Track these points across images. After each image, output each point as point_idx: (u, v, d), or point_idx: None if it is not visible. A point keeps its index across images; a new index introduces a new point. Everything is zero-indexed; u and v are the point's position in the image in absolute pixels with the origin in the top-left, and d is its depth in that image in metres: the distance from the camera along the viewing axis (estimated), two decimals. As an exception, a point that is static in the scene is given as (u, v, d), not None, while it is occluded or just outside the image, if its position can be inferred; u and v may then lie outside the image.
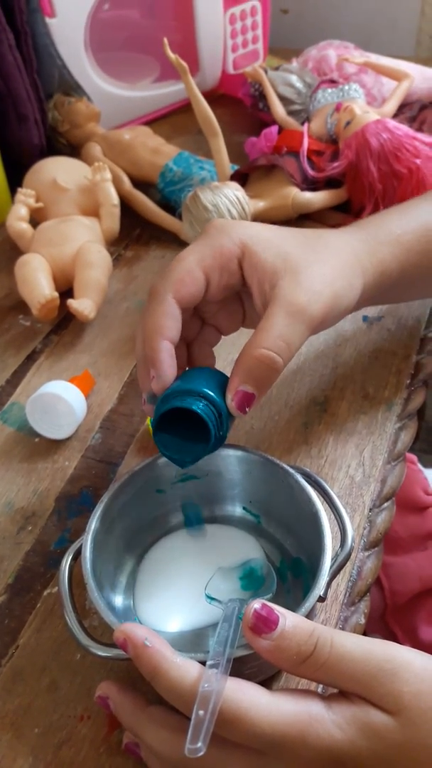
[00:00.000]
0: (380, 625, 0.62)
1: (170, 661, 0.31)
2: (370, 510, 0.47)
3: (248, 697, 0.30)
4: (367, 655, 0.31)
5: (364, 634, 0.45)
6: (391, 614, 0.62)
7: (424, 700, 0.30)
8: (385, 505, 0.48)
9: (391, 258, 0.46)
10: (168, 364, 0.40)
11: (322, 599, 0.35)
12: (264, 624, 0.31)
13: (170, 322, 0.40)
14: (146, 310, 0.41)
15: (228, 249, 0.42)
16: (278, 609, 0.32)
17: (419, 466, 0.73)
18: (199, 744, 0.28)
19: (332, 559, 0.37)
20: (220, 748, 0.31)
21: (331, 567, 0.36)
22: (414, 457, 0.74)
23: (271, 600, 0.33)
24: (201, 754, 0.28)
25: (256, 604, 0.31)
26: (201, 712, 0.29)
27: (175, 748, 0.31)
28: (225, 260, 0.42)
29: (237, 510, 0.45)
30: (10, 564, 0.46)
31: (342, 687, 0.31)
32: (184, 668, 0.31)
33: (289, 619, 0.31)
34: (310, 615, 0.35)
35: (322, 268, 0.42)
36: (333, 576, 0.37)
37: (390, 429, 0.52)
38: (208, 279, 0.42)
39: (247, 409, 0.39)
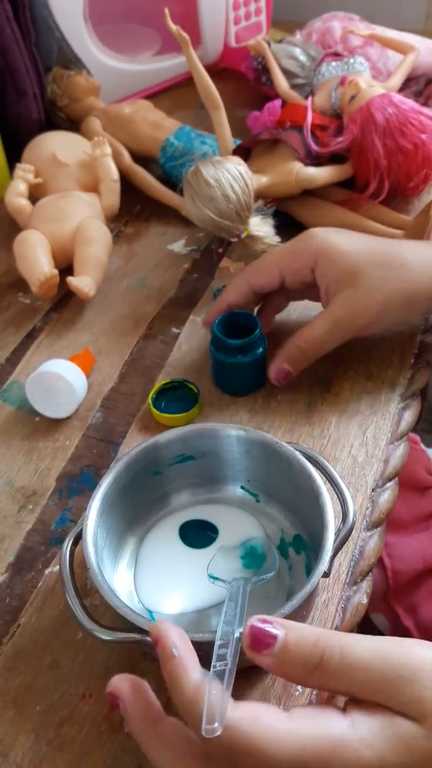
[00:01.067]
0: (382, 605, 0.62)
1: (188, 677, 0.30)
2: (373, 490, 0.47)
3: (263, 727, 0.28)
4: (381, 660, 0.29)
5: (366, 613, 0.45)
6: (393, 594, 0.62)
7: None
8: (388, 485, 0.48)
9: None
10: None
11: (326, 574, 0.35)
12: (261, 641, 0.30)
13: (238, 299, 0.54)
14: (232, 283, 0.54)
15: (304, 256, 0.51)
16: (278, 622, 0.30)
17: (422, 446, 0.73)
18: (215, 725, 0.27)
19: (334, 534, 0.37)
20: None
21: (333, 542, 0.36)
22: (417, 438, 0.74)
23: (275, 577, 0.32)
24: (218, 734, 0.27)
25: (253, 620, 0.30)
26: (214, 692, 0.28)
27: (176, 766, 0.30)
28: (299, 265, 0.51)
29: (236, 490, 0.45)
30: (11, 543, 0.45)
31: (359, 696, 0.30)
32: (200, 690, 0.29)
33: (291, 632, 0.30)
34: (313, 593, 0.35)
35: (385, 292, 0.49)
36: (336, 551, 0.37)
37: (393, 409, 0.52)
38: (283, 276, 0.52)
39: (282, 382, 0.52)
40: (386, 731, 0.29)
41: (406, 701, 0.29)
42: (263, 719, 0.29)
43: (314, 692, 0.38)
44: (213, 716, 0.28)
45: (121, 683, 0.32)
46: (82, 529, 0.38)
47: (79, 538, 0.38)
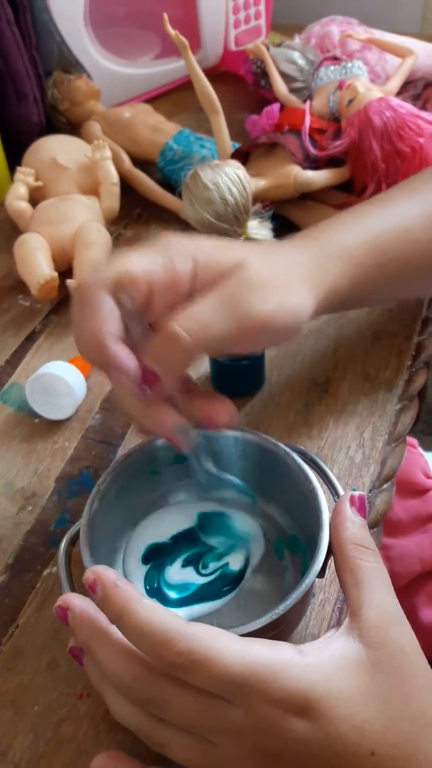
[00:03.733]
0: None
1: (139, 601, 0.30)
2: (370, 491, 0.47)
3: (219, 640, 0.29)
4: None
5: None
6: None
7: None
8: (385, 486, 0.48)
9: (342, 274, 0.44)
10: (127, 356, 0.37)
11: (321, 575, 0.35)
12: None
13: (111, 323, 0.37)
14: (81, 315, 0.38)
15: (180, 268, 0.38)
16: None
17: (420, 449, 0.73)
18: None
19: (330, 532, 0.37)
20: (179, 690, 0.30)
21: (329, 543, 0.36)
22: (415, 441, 0.74)
23: (268, 580, 0.32)
24: None
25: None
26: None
27: (125, 670, 0.30)
28: (176, 280, 0.38)
29: (233, 491, 0.45)
30: (10, 544, 0.46)
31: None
32: (152, 609, 0.30)
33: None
34: (308, 593, 0.35)
35: (276, 279, 0.40)
36: (331, 552, 0.37)
37: (391, 410, 0.52)
38: (151, 295, 0.38)
39: (146, 387, 0.38)
40: (336, 661, 0.30)
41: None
42: (220, 636, 0.30)
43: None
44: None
45: (71, 597, 0.33)
46: (79, 530, 0.38)
47: (76, 539, 0.39)
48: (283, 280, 0.40)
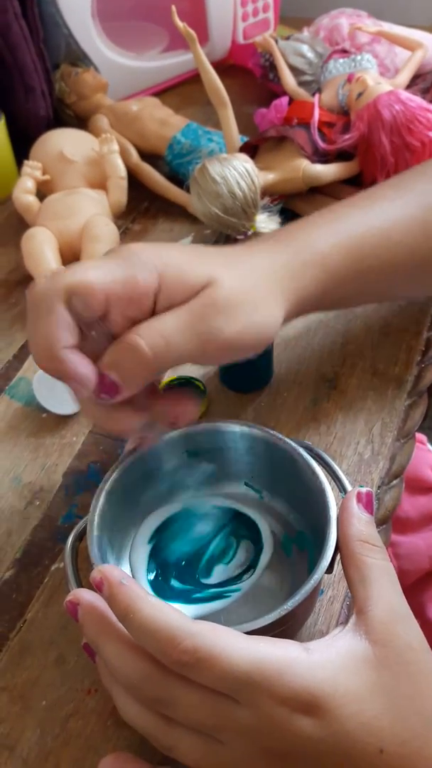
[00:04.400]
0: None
1: (144, 599, 0.30)
2: (379, 487, 0.47)
3: (225, 637, 0.29)
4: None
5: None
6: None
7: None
8: (394, 482, 0.48)
9: (314, 282, 0.43)
10: (83, 366, 0.36)
11: (329, 571, 0.35)
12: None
13: (65, 332, 0.36)
14: (33, 323, 0.37)
15: (143, 283, 0.36)
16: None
17: (428, 446, 0.73)
18: None
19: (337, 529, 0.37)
20: (187, 688, 0.30)
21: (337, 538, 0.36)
22: (424, 437, 0.74)
23: (275, 576, 0.32)
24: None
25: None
26: None
27: (134, 668, 0.31)
28: (137, 294, 0.36)
29: (240, 486, 0.45)
30: (17, 539, 0.46)
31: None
32: (157, 607, 0.30)
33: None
34: (316, 589, 0.35)
35: (244, 297, 0.39)
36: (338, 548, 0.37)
37: (400, 406, 0.52)
38: (109, 307, 0.36)
39: (106, 396, 0.36)
40: (343, 659, 0.30)
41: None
42: (225, 634, 0.30)
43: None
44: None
45: (81, 593, 0.33)
46: (86, 525, 0.38)
47: (83, 534, 0.39)
48: (252, 298, 0.39)
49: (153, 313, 0.37)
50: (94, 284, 0.35)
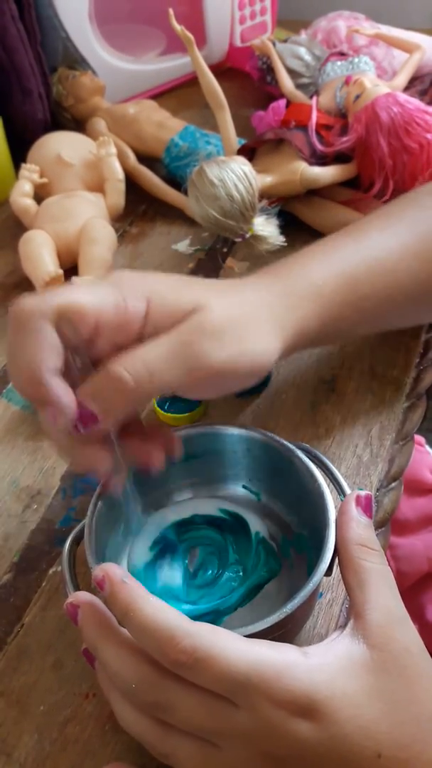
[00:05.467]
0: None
1: (144, 598, 0.30)
2: (378, 490, 0.47)
3: (223, 639, 0.29)
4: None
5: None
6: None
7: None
8: (393, 485, 0.48)
9: (310, 314, 0.41)
10: (66, 394, 0.34)
11: (328, 573, 0.35)
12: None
13: (51, 356, 0.34)
14: (17, 343, 0.35)
15: (132, 309, 0.36)
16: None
17: (427, 448, 0.73)
18: None
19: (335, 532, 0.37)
20: (185, 692, 0.30)
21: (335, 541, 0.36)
22: (422, 439, 0.74)
23: (274, 579, 0.32)
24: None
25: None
26: None
27: (132, 672, 0.30)
28: (126, 320, 0.36)
29: (238, 489, 0.45)
30: (15, 542, 0.45)
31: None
32: (157, 607, 0.30)
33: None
34: (314, 592, 0.35)
35: (236, 324, 0.37)
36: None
37: (398, 408, 0.52)
38: (97, 332, 0.35)
39: (81, 427, 0.35)
40: (340, 662, 0.30)
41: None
42: (224, 635, 0.30)
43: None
44: None
45: (82, 595, 0.33)
46: (83, 529, 0.38)
47: (80, 538, 0.38)
48: (245, 324, 0.38)
49: (140, 340, 0.36)
50: (85, 306, 0.34)
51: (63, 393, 0.34)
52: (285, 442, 0.41)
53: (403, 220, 0.47)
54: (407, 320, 0.53)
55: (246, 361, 0.37)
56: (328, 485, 0.39)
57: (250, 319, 0.38)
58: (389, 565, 0.43)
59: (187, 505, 0.44)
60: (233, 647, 0.29)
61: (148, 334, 0.36)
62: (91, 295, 0.35)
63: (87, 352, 0.36)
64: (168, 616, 0.30)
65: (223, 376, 0.37)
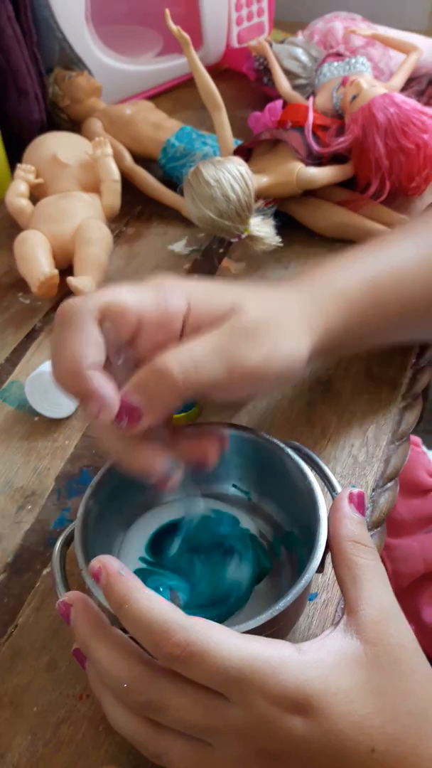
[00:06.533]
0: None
1: (140, 591, 0.30)
2: (373, 490, 0.47)
3: (218, 633, 0.29)
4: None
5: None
6: (395, 596, 0.62)
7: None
8: (388, 485, 0.47)
9: (337, 314, 0.42)
10: (108, 387, 0.35)
11: (320, 570, 0.35)
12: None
13: (94, 351, 0.35)
14: (61, 338, 0.35)
15: (174, 307, 0.37)
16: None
17: (423, 448, 0.73)
18: None
19: (328, 530, 0.36)
20: (178, 690, 0.30)
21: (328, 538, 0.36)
22: (418, 440, 0.74)
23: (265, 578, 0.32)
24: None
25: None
26: None
27: (124, 670, 0.30)
28: (167, 318, 0.37)
29: (228, 488, 0.45)
30: (9, 543, 0.45)
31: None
32: (153, 599, 0.30)
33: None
34: (306, 590, 0.35)
35: (270, 323, 0.38)
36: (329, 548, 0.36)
37: (394, 409, 0.52)
38: (140, 330, 0.36)
39: (125, 421, 0.35)
40: (334, 658, 0.30)
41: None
42: (218, 630, 0.30)
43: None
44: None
45: (74, 594, 0.33)
46: (73, 530, 0.38)
47: (71, 539, 0.38)
48: (277, 323, 0.39)
49: (180, 340, 0.37)
50: (128, 305, 0.35)
51: (106, 386, 0.35)
52: (275, 441, 0.41)
53: (418, 236, 0.49)
54: (429, 331, 0.53)
55: (277, 362, 0.38)
56: (319, 483, 0.39)
57: (281, 319, 0.39)
58: (385, 566, 0.43)
59: (176, 505, 0.43)
60: (227, 642, 0.29)
61: (188, 334, 0.37)
62: (134, 294, 0.36)
63: (128, 351, 0.37)
64: (163, 610, 0.30)
65: (256, 376, 0.37)
